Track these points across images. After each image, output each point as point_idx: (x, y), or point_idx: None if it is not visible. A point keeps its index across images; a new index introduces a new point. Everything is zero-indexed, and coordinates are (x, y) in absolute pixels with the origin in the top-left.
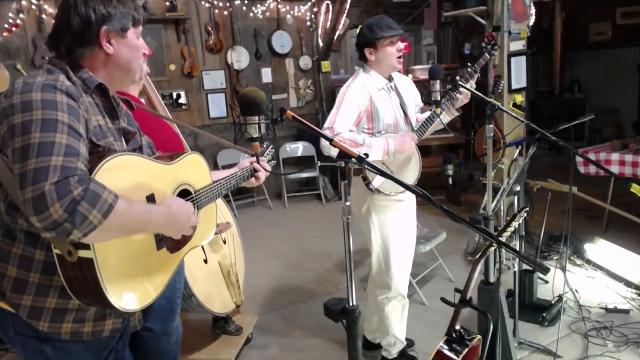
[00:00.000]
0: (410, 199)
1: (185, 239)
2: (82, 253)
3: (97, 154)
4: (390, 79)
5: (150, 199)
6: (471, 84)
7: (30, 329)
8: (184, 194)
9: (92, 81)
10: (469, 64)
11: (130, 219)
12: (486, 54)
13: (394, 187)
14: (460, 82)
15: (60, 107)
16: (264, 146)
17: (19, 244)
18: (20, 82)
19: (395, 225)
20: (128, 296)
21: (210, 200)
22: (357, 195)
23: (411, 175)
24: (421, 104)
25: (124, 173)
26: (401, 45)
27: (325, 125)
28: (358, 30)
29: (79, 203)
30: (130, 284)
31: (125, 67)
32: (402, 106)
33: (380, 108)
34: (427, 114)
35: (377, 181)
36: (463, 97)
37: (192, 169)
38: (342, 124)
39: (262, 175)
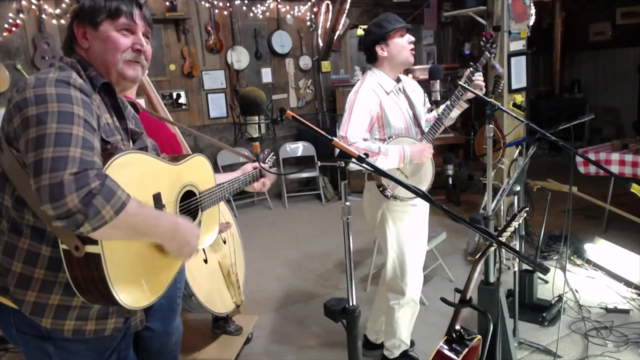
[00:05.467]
0: (423, 203)
1: None
2: (90, 248)
3: (106, 151)
4: (398, 80)
5: (157, 197)
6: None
7: (32, 327)
8: (189, 195)
9: (98, 79)
10: (471, 63)
11: (139, 220)
12: (486, 53)
13: (408, 192)
14: (460, 83)
15: (75, 102)
16: (265, 153)
17: (25, 239)
18: (33, 77)
19: (411, 231)
20: (132, 293)
21: (214, 202)
22: (372, 201)
23: (426, 179)
24: (428, 105)
25: (133, 170)
26: (411, 37)
27: (339, 134)
28: (363, 32)
29: (95, 196)
30: (135, 281)
31: (101, 61)
32: (411, 107)
33: (390, 114)
34: (435, 114)
35: (393, 187)
36: (474, 87)
37: (197, 170)
38: (356, 132)
39: (268, 181)
